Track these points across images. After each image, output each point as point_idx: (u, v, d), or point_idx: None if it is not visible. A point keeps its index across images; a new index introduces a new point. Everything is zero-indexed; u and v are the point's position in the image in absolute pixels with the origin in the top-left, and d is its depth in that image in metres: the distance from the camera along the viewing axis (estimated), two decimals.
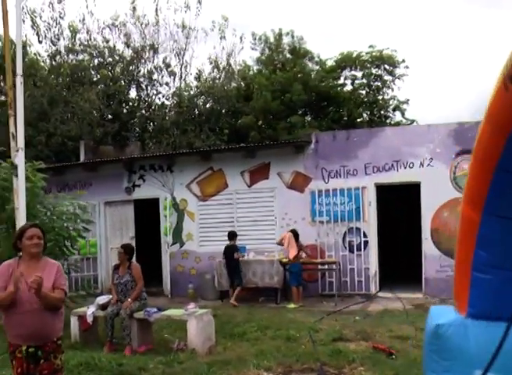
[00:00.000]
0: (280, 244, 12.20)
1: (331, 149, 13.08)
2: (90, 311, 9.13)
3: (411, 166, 12.56)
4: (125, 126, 22.92)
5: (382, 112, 26.17)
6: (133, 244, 14.58)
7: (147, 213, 15.41)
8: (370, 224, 12.84)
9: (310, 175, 13.22)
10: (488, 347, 3.46)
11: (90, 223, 11.55)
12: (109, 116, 23.13)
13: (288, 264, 12.21)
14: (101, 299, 9.29)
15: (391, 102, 26.33)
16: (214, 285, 12.85)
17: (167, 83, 24.83)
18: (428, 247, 12.51)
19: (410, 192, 12.95)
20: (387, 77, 25.92)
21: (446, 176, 12.34)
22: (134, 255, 9.46)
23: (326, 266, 12.86)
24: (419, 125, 12.83)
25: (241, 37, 24.54)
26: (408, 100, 26.13)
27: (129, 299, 8.84)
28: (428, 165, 12.47)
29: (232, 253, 12.40)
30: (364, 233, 12.85)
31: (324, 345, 8.60)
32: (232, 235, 12.56)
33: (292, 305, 11.81)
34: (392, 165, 12.68)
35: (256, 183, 13.66)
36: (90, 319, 9.06)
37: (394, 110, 26.24)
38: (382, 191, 13.08)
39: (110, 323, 8.73)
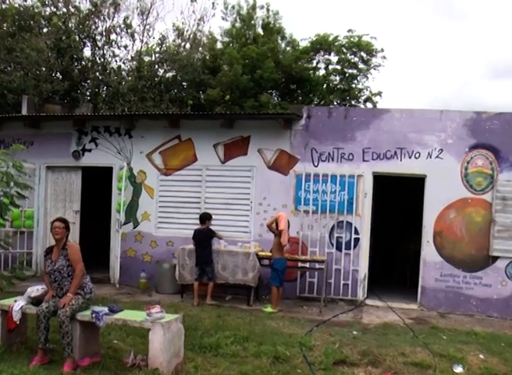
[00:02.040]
0: (271, 228, 9.91)
1: (325, 127, 10.90)
2: (17, 305, 6.70)
3: (417, 156, 10.53)
4: (76, 87, 20.19)
5: (354, 102, 24.21)
6: (78, 219, 12.23)
7: (96, 184, 12.91)
8: (363, 219, 10.75)
9: (297, 155, 11.01)
10: None
11: (27, 188, 8.97)
12: (59, 74, 20.33)
13: (270, 258, 10.02)
14: (34, 291, 6.84)
15: (363, 93, 24.46)
16: (173, 277, 10.47)
17: (126, 47, 22.15)
18: (428, 251, 10.52)
19: (413, 186, 10.99)
20: (362, 66, 24.01)
21: (457, 171, 10.37)
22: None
23: (307, 264, 10.68)
24: (430, 109, 10.72)
25: (213, 3, 22.04)
26: (381, 92, 24.38)
27: (69, 293, 6.48)
28: (437, 157, 10.46)
29: (207, 239, 10.11)
30: (355, 228, 10.74)
31: (325, 371, 6.65)
32: (205, 218, 10.25)
33: (269, 309, 9.60)
34: (396, 152, 10.62)
35: (231, 160, 11.35)
36: (17, 317, 6.65)
37: (366, 101, 24.35)
38: (381, 181, 11.00)
39: (44, 325, 6.33)
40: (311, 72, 23.53)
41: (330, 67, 24.05)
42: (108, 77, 20.67)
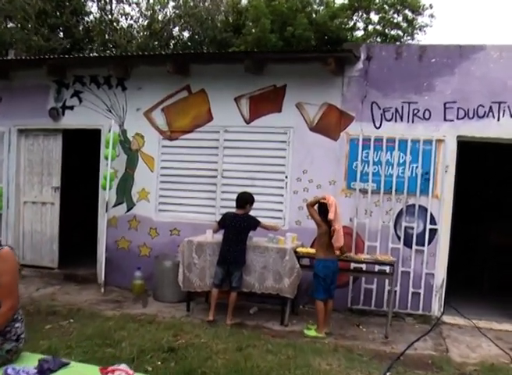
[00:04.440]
0: (310, 211, 6.61)
1: (391, 73, 7.57)
2: None
3: None
4: (78, 46, 17.02)
5: None
6: (58, 198, 9.14)
7: (82, 152, 9.78)
8: (443, 202, 7.41)
9: (350, 112, 7.69)
10: None
11: None
12: (61, 33, 17.23)
13: (313, 257, 6.75)
14: None
15: None
16: (177, 279, 7.26)
17: (137, 4, 18.93)
18: None
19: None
20: (406, 26, 20.46)
21: None
22: None
23: (363, 266, 7.38)
24: None
25: None
26: None
27: None
28: None
29: (246, 230, 6.85)
30: (431, 216, 7.44)
31: None
32: (245, 200, 6.94)
33: (313, 332, 6.41)
34: (491, 108, 7.24)
35: (259, 118, 8.06)
36: None
37: None
38: (468, 148, 7.67)
39: None
40: (349, 33, 20.06)
41: (370, 27, 20.54)
42: (116, 37, 17.52)
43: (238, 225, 6.78)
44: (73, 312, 6.99)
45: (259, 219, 6.96)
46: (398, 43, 20.09)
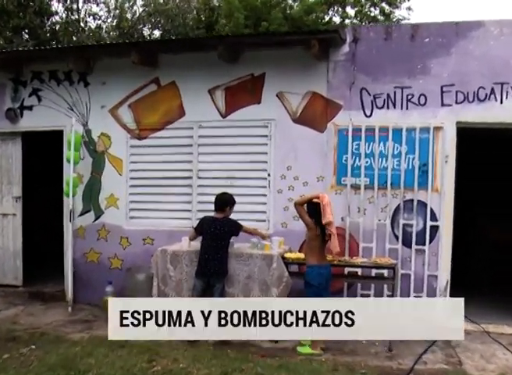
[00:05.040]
0: (300, 211, 5.79)
1: (381, 55, 6.83)
2: None
3: None
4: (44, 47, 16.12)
5: None
6: (20, 209, 8.27)
7: (45, 156, 8.91)
8: (443, 196, 6.68)
9: (338, 100, 6.93)
10: None
11: None
12: (26, 34, 16.31)
13: (303, 264, 5.95)
14: None
15: None
16: (150, 294, 6.43)
17: (105, 3, 18.08)
18: None
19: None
20: (383, 18, 19.94)
21: None
22: None
23: (359, 270, 6.60)
24: None
25: None
26: None
27: None
28: None
29: (226, 235, 6.05)
30: (432, 212, 6.70)
31: None
32: (225, 202, 6.16)
33: (307, 349, 5.61)
34: (493, 90, 6.53)
35: (237, 111, 7.27)
36: None
37: None
38: (469, 136, 6.93)
39: None
40: (325, 27, 19.44)
41: (347, 22, 19.89)
42: (84, 37, 16.63)
43: (218, 230, 5.97)
44: (36, 336, 6.15)
45: (241, 222, 6.17)
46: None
